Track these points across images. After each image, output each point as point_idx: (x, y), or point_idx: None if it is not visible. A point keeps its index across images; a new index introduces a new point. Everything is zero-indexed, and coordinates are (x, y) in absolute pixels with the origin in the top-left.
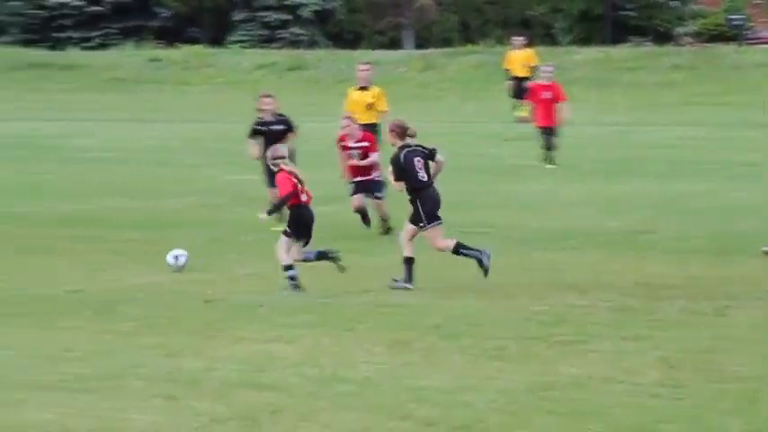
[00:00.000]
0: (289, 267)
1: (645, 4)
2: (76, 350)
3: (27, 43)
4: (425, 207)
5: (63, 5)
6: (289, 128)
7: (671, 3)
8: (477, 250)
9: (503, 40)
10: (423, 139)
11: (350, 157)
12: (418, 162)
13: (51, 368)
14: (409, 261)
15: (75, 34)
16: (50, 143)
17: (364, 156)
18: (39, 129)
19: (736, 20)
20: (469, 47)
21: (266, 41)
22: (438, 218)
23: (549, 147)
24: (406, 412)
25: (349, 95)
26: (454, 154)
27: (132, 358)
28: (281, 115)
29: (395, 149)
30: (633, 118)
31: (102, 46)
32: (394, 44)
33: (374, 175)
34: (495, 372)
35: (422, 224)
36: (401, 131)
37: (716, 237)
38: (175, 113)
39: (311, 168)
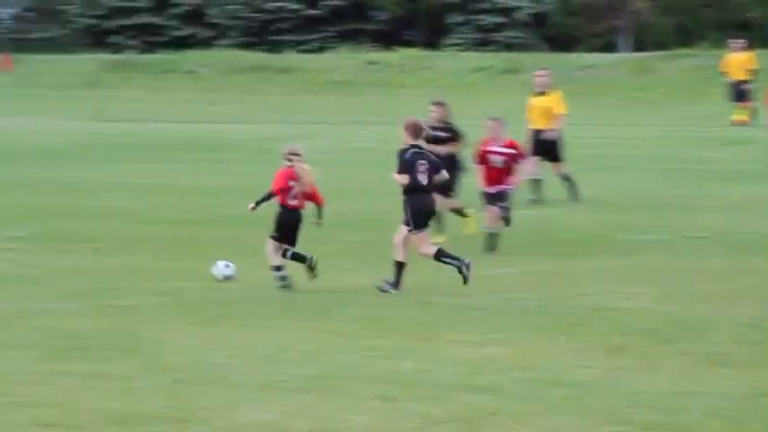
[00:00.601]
0: (277, 268)
1: None
2: (294, 350)
3: (246, 46)
4: (415, 211)
5: (281, 9)
6: (453, 136)
7: None
8: (458, 259)
9: (720, 44)
10: (637, 143)
11: (491, 162)
12: (422, 165)
13: (269, 368)
14: (400, 266)
15: (293, 37)
16: (268, 146)
17: (509, 163)
18: (257, 131)
19: None
20: (685, 50)
21: (481, 44)
22: (426, 225)
23: None
24: (623, 417)
25: (529, 102)
26: (671, 158)
27: (349, 359)
28: (447, 123)
29: (403, 146)
30: None
31: (320, 49)
32: (609, 47)
33: (508, 186)
34: (714, 377)
35: (410, 228)
36: (415, 130)
37: None
38: (392, 116)
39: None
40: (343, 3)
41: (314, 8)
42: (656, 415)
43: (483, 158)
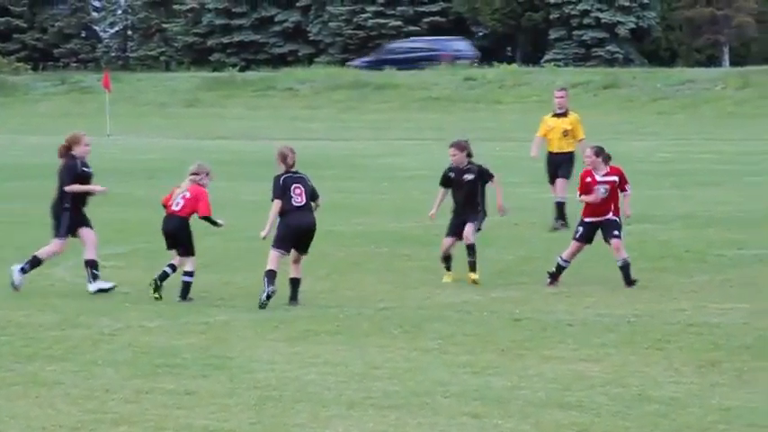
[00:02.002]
0: (187, 273)
1: None
2: (383, 368)
3: (345, 63)
4: (280, 230)
5: (381, 26)
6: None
7: None
8: (270, 284)
9: None
10: (737, 158)
11: (594, 192)
12: (297, 188)
13: (359, 385)
14: (294, 282)
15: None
16: (362, 163)
17: (613, 192)
18: (353, 148)
19: None
20: None
21: (582, 60)
22: (287, 247)
23: None
24: None
25: (544, 122)
26: None
27: (440, 376)
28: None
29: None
30: None
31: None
32: (710, 62)
33: (612, 215)
34: None
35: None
36: (282, 158)
37: None
38: (489, 132)
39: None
40: (444, 19)
41: (414, 24)
42: (750, 431)
43: (588, 189)
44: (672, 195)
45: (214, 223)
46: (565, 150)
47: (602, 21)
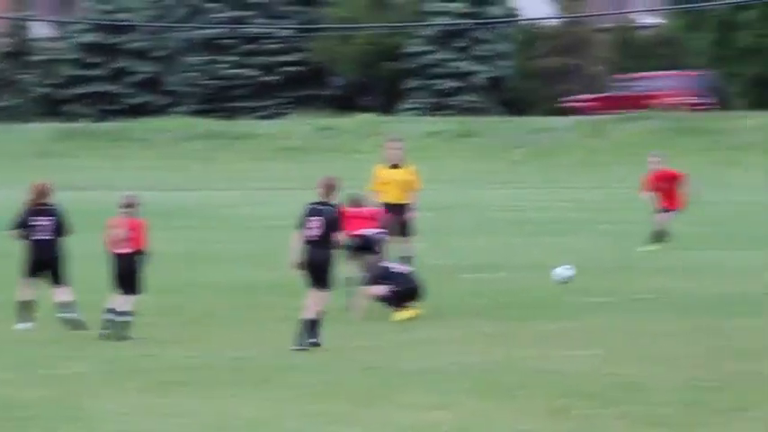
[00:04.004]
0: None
1: None
2: (238, 418)
3: (202, 113)
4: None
5: (237, 76)
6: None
7: None
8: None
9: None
10: (596, 205)
11: None
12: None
13: None
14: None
15: (249, 104)
16: (220, 213)
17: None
18: (210, 198)
19: None
20: (641, 112)
21: (438, 108)
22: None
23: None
24: None
25: (378, 173)
26: (622, 220)
27: (294, 426)
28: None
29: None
30: None
31: (276, 115)
32: (565, 111)
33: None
34: None
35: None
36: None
37: None
38: (347, 181)
39: (479, 234)
40: (300, 69)
41: (270, 74)
42: None
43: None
44: (526, 243)
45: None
46: (402, 202)
47: (459, 70)
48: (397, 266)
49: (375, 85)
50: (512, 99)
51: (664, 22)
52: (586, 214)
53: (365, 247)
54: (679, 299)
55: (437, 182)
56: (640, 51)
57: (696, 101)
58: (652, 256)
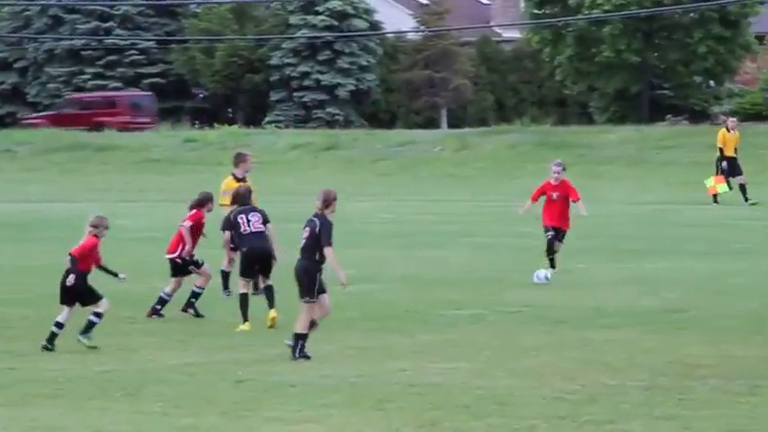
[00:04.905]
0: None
1: (681, 84)
2: (106, 431)
3: (64, 124)
4: None
5: (101, 87)
6: None
7: (706, 82)
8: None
9: (538, 120)
10: (456, 219)
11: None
12: None
13: None
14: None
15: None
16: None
17: None
18: (73, 210)
19: None
20: (505, 126)
21: (302, 121)
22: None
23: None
24: None
25: (227, 184)
26: (488, 233)
27: None
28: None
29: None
30: (669, 197)
31: (141, 127)
32: (430, 124)
33: None
34: None
35: None
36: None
37: (752, 315)
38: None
39: (348, 247)
40: (164, 81)
41: (135, 85)
42: None
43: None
44: (394, 256)
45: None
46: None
47: (323, 83)
48: None
49: (239, 98)
50: (376, 112)
51: (527, 36)
52: (455, 227)
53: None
54: (548, 312)
55: (302, 194)
56: (502, 65)
57: (133, 120)
58: (522, 269)
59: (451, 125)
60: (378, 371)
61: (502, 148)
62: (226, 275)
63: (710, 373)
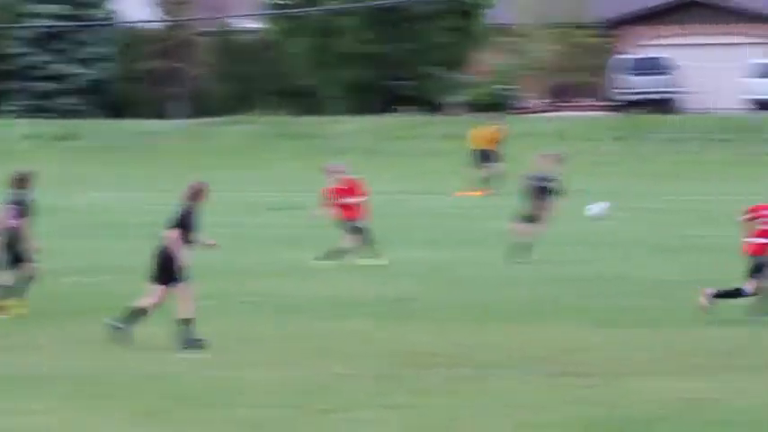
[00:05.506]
0: None
1: (416, 75)
2: None
3: None
4: None
5: None
6: None
7: (441, 73)
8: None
9: (276, 110)
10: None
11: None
12: None
13: None
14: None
15: None
16: None
17: None
18: None
19: (504, 90)
20: (242, 116)
21: (38, 111)
22: None
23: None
24: None
25: None
26: (219, 224)
27: None
28: None
29: None
30: (402, 187)
31: None
32: (168, 113)
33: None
34: None
35: None
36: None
37: (478, 305)
38: None
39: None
40: None
41: None
42: None
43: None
44: (128, 247)
45: None
46: None
47: (59, 72)
48: None
49: None
50: (115, 102)
51: (266, 26)
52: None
53: None
54: (282, 301)
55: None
56: (242, 56)
57: None
58: (250, 260)
59: (190, 115)
60: (106, 362)
61: (241, 138)
62: None
63: (440, 361)
